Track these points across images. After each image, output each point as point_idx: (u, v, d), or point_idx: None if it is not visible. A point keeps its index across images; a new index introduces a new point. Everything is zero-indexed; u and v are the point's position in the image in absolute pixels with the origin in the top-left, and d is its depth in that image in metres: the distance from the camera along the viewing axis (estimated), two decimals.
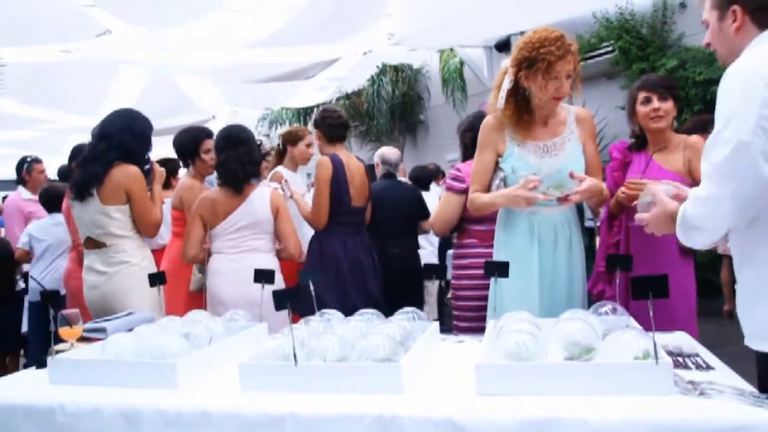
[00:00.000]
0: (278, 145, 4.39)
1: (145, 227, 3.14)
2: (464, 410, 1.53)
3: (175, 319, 2.31)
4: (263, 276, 2.45)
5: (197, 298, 3.28)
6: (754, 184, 1.52)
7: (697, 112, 6.88)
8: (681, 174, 2.78)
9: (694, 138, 2.90)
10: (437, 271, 2.31)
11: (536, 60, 2.37)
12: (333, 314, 2.27)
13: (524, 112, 2.51)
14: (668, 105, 2.79)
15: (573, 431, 1.43)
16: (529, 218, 2.53)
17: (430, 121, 10.79)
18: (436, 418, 1.52)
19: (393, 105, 9.76)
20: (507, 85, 2.49)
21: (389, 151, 4.64)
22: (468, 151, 3.30)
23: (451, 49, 9.60)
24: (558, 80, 2.38)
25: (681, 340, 2.08)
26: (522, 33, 8.51)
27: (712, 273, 5.77)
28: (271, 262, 3.13)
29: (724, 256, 5.89)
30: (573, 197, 2.43)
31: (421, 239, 5.28)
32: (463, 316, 3.17)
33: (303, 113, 10.18)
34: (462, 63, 9.57)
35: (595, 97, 7.71)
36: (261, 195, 3.23)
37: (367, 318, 2.20)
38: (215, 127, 3.93)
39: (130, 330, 2.25)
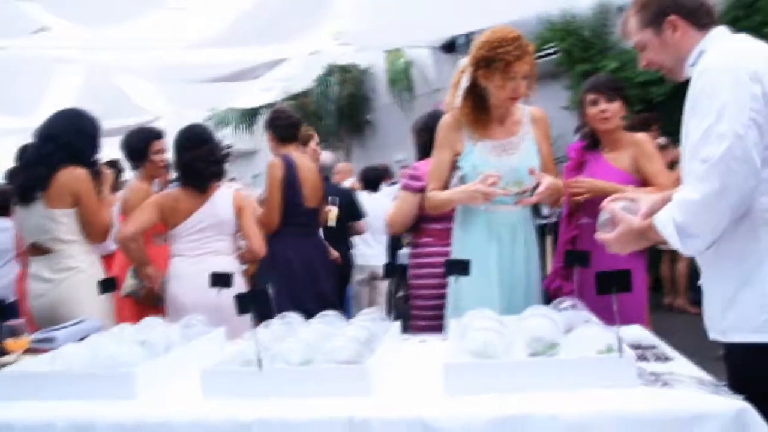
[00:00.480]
0: None
1: (93, 232, 3.02)
2: (435, 410, 1.52)
3: (128, 326, 2.22)
4: (220, 280, 2.38)
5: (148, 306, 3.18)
6: (750, 177, 1.52)
7: (637, 111, 7.10)
8: (629, 172, 2.86)
9: (640, 136, 3.00)
10: (398, 271, 2.30)
11: (494, 59, 2.39)
12: (293, 317, 2.23)
13: (481, 111, 2.53)
14: (615, 106, 2.85)
15: (544, 427, 1.44)
16: (488, 216, 2.55)
17: (377, 121, 10.80)
18: (407, 418, 1.51)
19: (340, 105, 9.72)
20: (465, 83, 2.50)
21: (323, 155, 4.82)
22: (424, 150, 3.31)
23: (398, 50, 9.63)
24: (515, 80, 2.41)
25: (638, 333, 2.13)
26: (468, 34, 8.65)
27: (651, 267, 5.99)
28: (232, 265, 3.07)
29: (663, 251, 6.09)
30: (532, 199, 2.48)
31: (370, 240, 5.29)
32: (422, 315, 3.17)
33: (249, 114, 10.04)
34: (409, 63, 9.62)
35: (540, 97, 7.83)
36: (223, 195, 3.17)
37: (328, 320, 2.17)
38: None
39: (82, 339, 2.15)
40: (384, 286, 5.33)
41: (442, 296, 3.05)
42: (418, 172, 3.16)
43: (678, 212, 1.56)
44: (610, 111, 2.83)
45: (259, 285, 2.46)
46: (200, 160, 3.12)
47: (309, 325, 2.09)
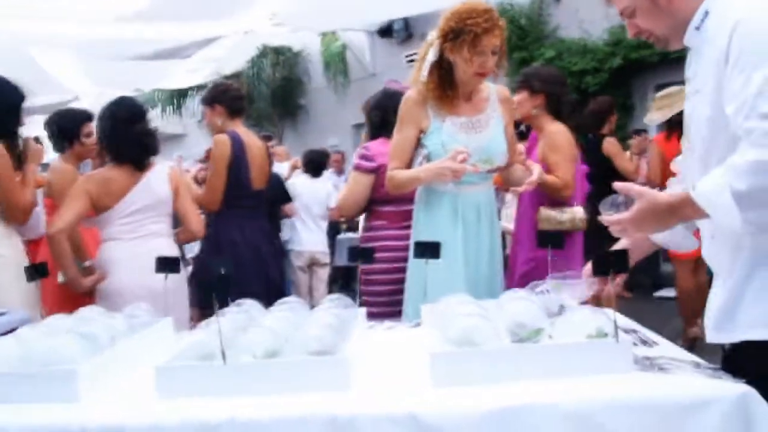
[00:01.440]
0: None
1: (12, 212, 2.73)
2: (426, 404, 1.39)
3: (64, 317, 1.97)
4: (167, 264, 2.16)
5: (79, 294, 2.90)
6: None
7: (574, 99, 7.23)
8: (541, 159, 2.99)
9: (552, 126, 3.12)
10: (364, 254, 2.14)
11: (462, 32, 2.28)
12: (251, 305, 2.04)
13: (448, 86, 2.42)
14: (521, 96, 3.08)
15: (546, 417, 1.34)
16: (453, 197, 2.45)
17: (310, 105, 10.57)
18: (396, 414, 1.37)
19: (273, 88, 9.41)
20: (432, 57, 2.37)
21: None
22: (376, 129, 3.18)
23: (334, 33, 9.43)
24: (484, 55, 2.30)
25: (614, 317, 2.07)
26: (405, 19, 8.56)
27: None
28: (172, 248, 2.88)
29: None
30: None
31: (311, 224, 5.12)
32: (376, 302, 3.03)
33: (177, 95, 9.56)
34: (344, 47, 9.43)
35: None
36: (159, 173, 2.95)
37: (291, 307, 2.00)
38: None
39: (6, 333, 1.89)
40: (325, 272, 5.19)
41: (397, 281, 2.94)
42: (371, 152, 3.04)
43: (737, 178, 1.27)
44: (516, 101, 2.96)
45: (203, 269, 2.28)
46: (142, 134, 2.92)
47: (271, 314, 1.91)
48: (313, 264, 5.15)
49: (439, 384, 1.49)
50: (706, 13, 1.48)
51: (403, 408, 1.37)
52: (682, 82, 2.04)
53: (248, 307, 2.01)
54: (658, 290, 6.55)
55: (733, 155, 1.31)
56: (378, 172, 2.99)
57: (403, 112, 2.51)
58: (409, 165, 2.52)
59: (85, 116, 3.45)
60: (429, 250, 2.11)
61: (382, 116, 3.14)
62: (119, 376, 1.69)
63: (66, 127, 3.38)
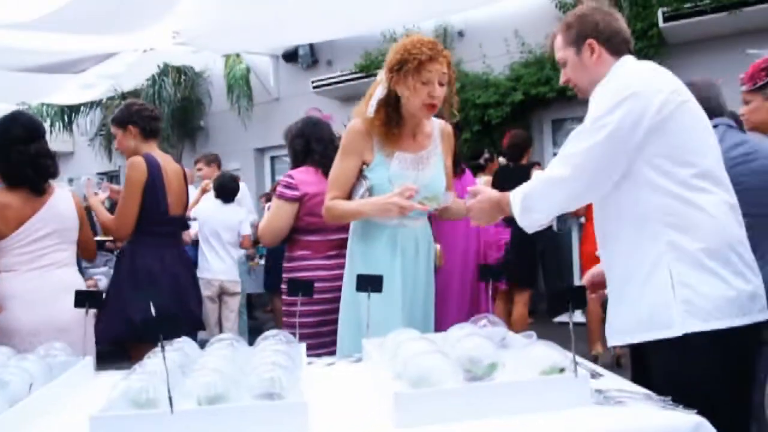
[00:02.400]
0: None
1: None
2: None
3: None
4: (87, 298, 1.97)
5: None
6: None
7: (476, 132, 7.47)
8: None
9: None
10: (304, 287, 2.06)
11: (406, 61, 2.27)
12: (185, 342, 1.90)
13: (395, 123, 2.39)
14: None
15: None
16: (393, 231, 2.42)
17: (210, 127, 10.26)
18: None
19: (173, 108, 9.05)
20: (380, 93, 2.35)
21: None
22: (298, 158, 3.11)
23: (238, 55, 9.24)
24: (430, 84, 2.28)
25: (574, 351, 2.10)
26: (311, 45, 8.55)
27: None
28: (77, 279, 2.65)
29: None
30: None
31: (221, 252, 4.91)
32: (301, 334, 2.94)
33: (68, 112, 8.95)
34: (248, 70, 9.25)
35: None
36: (63, 198, 2.71)
37: (228, 344, 1.87)
38: None
39: None
40: (235, 302, 4.97)
41: (322, 312, 2.86)
42: (294, 181, 2.99)
43: (526, 184, 1.87)
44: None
45: (138, 302, 2.10)
46: (40, 155, 2.68)
47: (209, 353, 1.77)
48: (222, 293, 4.92)
49: (402, 425, 1.43)
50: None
51: None
52: (576, 118, 2.64)
53: (182, 345, 1.86)
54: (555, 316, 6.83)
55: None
56: (302, 200, 2.93)
57: (346, 142, 2.46)
58: (349, 196, 2.47)
59: None
60: (371, 283, 2.06)
61: (304, 144, 3.09)
62: (40, 429, 1.50)
63: None
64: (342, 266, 2.87)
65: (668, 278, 1.71)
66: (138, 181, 2.98)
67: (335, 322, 2.70)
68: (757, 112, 2.54)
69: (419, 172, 2.42)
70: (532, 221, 1.89)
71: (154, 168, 3.02)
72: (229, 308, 4.94)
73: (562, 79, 2.01)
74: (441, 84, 2.30)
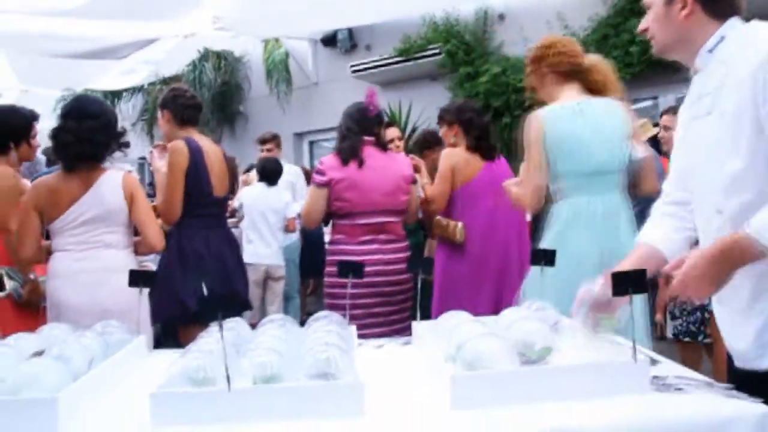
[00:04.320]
0: None
1: None
2: (452, 430, 1.32)
3: (26, 337, 1.78)
4: (140, 278, 2.00)
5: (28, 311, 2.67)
6: None
7: (516, 116, 7.36)
8: None
9: (444, 151, 3.45)
10: (354, 269, 2.06)
11: None
12: (237, 323, 1.91)
13: None
14: (442, 131, 3.52)
15: None
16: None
17: (249, 112, 10.30)
18: None
19: (213, 94, 9.11)
20: None
21: None
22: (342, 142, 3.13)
23: (277, 40, 9.25)
24: None
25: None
26: (350, 29, 8.47)
27: None
28: (128, 260, 2.67)
29: None
30: None
31: (268, 236, 4.87)
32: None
33: (111, 97, 9.10)
34: (287, 54, 9.26)
35: (422, 97, 7.91)
36: (111, 180, 2.73)
37: (280, 325, 1.89)
38: None
39: None
40: (279, 286, 5.01)
41: (359, 296, 2.87)
42: (323, 167, 3.08)
43: None
44: (441, 133, 3.55)
45: (175, 283, 2.13)
46: (70, 134, 2.68)
47: (263, 333, 1.79)
48: (267, 278, 4.94)
49: (458, 407, 1.43)
50: (722, 38, 1.54)
51: None
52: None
53: (234, 325, 1.88)
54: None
55: None
56: (330, 185, 2.96)
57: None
58: None
59: (33, 116, 3.19)
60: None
61: (341, 132, 3.14)
62: (101, 404, 1.53)
63: (17, 125, 3.08)
64: (372, 252, 2.92)
65: None
66: (180, 165, 3.02)
67: (367, 306, 2.77)
68: None
69: None
70: None
71: (195, 151, 3.06)
72: (273, 293, 4.97)
73: (640, 26, 1.72)
74: None
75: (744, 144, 1.44)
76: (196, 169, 3.06)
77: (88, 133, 2.69)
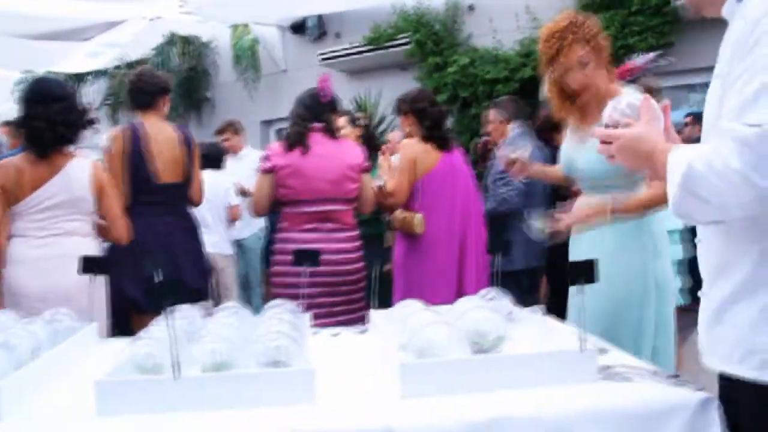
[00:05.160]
0: None
1: None
2: (401, 417, 1.32)
3: None
4: (94, 265, 1.96)
5: None
6: None
7: (485, 107, 7.39)
8: None
9: (403, 142, 3.41)
10: (310, 257, 2.04)
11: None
12: (189, 310, 1.90)
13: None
14: (399, 119, 3.49)
15: (527, 428, 1.31)
16: None
17: (216, 98, 10.16)
18: (370, 429, 1.29)
19: (180, 79, 8.96)
20: None
21: None
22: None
23: (245, 26, 9.12)
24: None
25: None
26: (319, 16, 8.37)
27: None
28: (91, 247, 2.62)
29: None
30: None
31: (211, 224, 4.65)
32: None
33: (74, 80, 8.86)
34: (256, 41, 9.14)
35: (391, 86, 7.89)
36: (80, 168, 2.68)
37: (233, 312, 1.87)
38: None
39: None
40: (227, 278, 4.87)
41: (296, 285, 2.83)
42: (269, 153, 3.06)
43: (702, 161, 1.14)
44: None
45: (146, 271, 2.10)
46: (42, 119, 2.62)
47: (214, 321, 1.77)
48: (213, 267, 4.75)
49: (408, 395, 1.43)
50: None
51: (378, 422, 1.30)
52: None
53: (188, 312, 1.86)
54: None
55: (714, 140, 1.16)
56: (274, 172, 2.94)
57: None
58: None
59: None
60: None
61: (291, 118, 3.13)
62: (46, 392, 1.50)
63: None
64: (316, 241, 2.89)
65: None
66: (116, 152, 3.01)
67: (310, 296, 2.73)
68: None
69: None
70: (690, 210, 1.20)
71: (135, 138, 3.01)
72: (223, 285, 4.82)
73: None
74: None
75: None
76: (134, 155, 3.01)
77: (59, 116, 2.64)
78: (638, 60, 3.27)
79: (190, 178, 3.22)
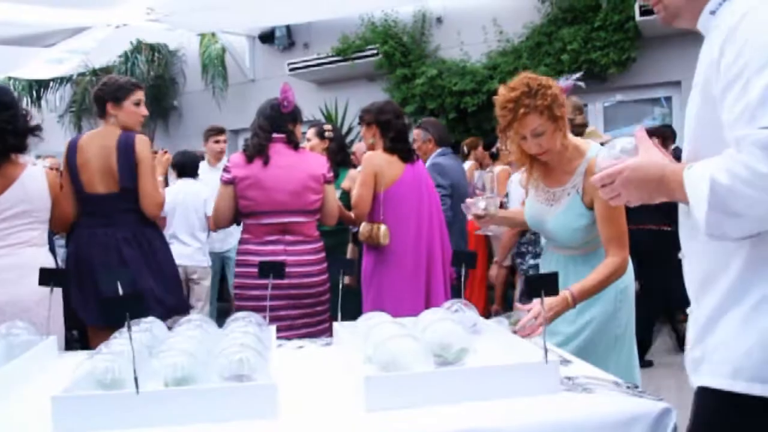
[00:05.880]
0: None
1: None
2: (367, 431, 1.32)
3: None
4: (50, 276, 1.92)
5: None
6: None
7: (452, 119, 7.46)
8: None
9: (367, 154, 3.40)
10: (275, 269, 2.03)
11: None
12: (152, 322, 1.86)
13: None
14: (363, 130, 3.46)
15: None
16: None
17: (184, 107, 10.08)
18: None
19: (146, 87, 8.86)
20: None
21: None
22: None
23: (213, 35, 9.07)
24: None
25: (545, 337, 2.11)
26: (288, 27, 8.38)
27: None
28: (47, 259, 2.56)
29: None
30: None
31: (185, 236, 4.65)
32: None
33: (37, 87, 8.68)
34: (224, 50, 9.10)
35: (359, 97, 7.91)
36: (34, 176, 2.63)
37: (197, 325, 1.85)
38: None
39: None
40: (201, 290, 4.79)
41: (265, 298, 2.80)
42: (229, 164, 3.01)
43: (725, 173, 1.07)
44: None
45: (103, 286, 2.04)
46: (4, 130, 2.55)
47: (179, 334, 1.74)
48: (188, 280, 4.64)
49: (372, 408, 1.43)
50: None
51: None
52: None
53: (150, 326, 1.83)
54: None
55: (729, 150, 1.11)
56: (234, 183, 2.92)
57: None
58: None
59: None
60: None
61: (269, 125, 3.05)
62: (1, 408, 1.46)
63: None
64: (277, 253, 2.87)
65: None
66: (63, 166, 2.96)
67: (273, 309, 2.68)
68: None
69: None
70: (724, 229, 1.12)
71: (69, 150, 2.93)
72: (195, 296, 4.74)
73: None
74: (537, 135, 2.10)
75: None
76: (69, 167, 2.93)
77: (8, 126, 2.57)
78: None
79: (128, 188, 2.91)
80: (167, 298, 3.02)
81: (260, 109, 3.09)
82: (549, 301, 1.90)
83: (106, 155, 2.91)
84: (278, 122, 3.01)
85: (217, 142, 5.52)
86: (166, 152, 3.50)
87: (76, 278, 2.82)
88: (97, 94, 3.04)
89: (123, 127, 2.97)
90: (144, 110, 3.07)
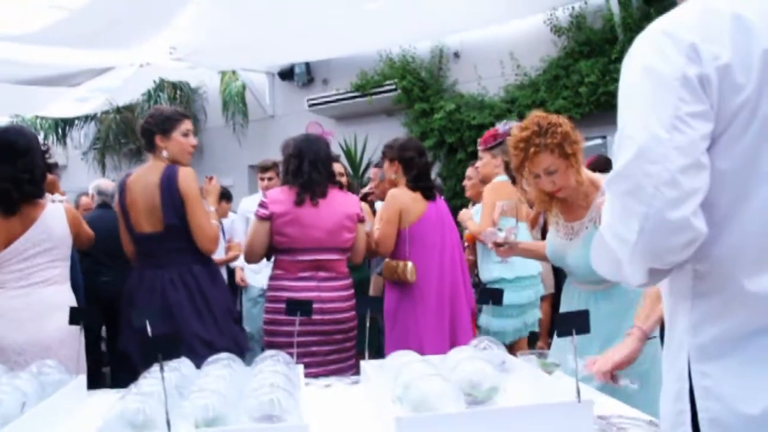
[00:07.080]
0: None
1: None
2: None
3: None
4: (80, 315, 1.94)
5: None
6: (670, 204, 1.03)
7: (471, 152, 7.49)
8: None
9: (391, 191, 3.37)
10: (303, 307, 2.04)
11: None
12: (182, 362, 1.87)
13: None
14: (385, 165, 3.45)
15: None
16: None
17: (205, 143, 10.23)
18: None
19: None
20: None
21: (104, 183, 4.77)
22: (288, 177, 3.06)
23: (233, 72, 9.25)
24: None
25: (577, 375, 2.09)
26: (307, 63, 8.50)
27: None
28: (68, 296, 2.58)
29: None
30: None
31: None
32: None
33: (62, 125, 8.88)
34: (244, 87, 9.26)
35: (378, 132, 7.99)
36: (54, 214, 2.67)
37: (225, 364, 1.85)
38: None
39: None
40: None
41: (299, 333, 2.80)
42: (267, 200, 3.02)
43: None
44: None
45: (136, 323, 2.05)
46: (6, 179, 2.56)
47: (208, 374, 1.75)
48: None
49: None
50: None
51: None
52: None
53: (179, 365, 1.84)
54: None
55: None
56: (271, 219, 2.94)
57: None
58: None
59: None
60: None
61: (298, 165, 3.01)
62: None
63: None
64: (310, 289, 2.89)
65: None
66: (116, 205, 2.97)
67: (305, 344, 2.69)
68: (485, 166, 3.93)
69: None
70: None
71: (120, 188, 2.90)
72: None
73: None
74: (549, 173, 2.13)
75: None
76: (119, 207, 2.91)
77: (25, 175, 2.59)
78: (500, 127, 3.75)
79: (173, 225, 2.79)
80: (218, 339, 2.84)
81: (307, 148, 3.04)
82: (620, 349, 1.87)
83: (150, 193, 2.80)
84: (330, 162, 3.07)
85: (269, 179, 5.19)
86: (212, 179, 3.23)
87: (127, 320, 2.73)
88: (145, 127, 2.91)
89: (172, 160, 2.85)
90: (193, 140, 2.96)
